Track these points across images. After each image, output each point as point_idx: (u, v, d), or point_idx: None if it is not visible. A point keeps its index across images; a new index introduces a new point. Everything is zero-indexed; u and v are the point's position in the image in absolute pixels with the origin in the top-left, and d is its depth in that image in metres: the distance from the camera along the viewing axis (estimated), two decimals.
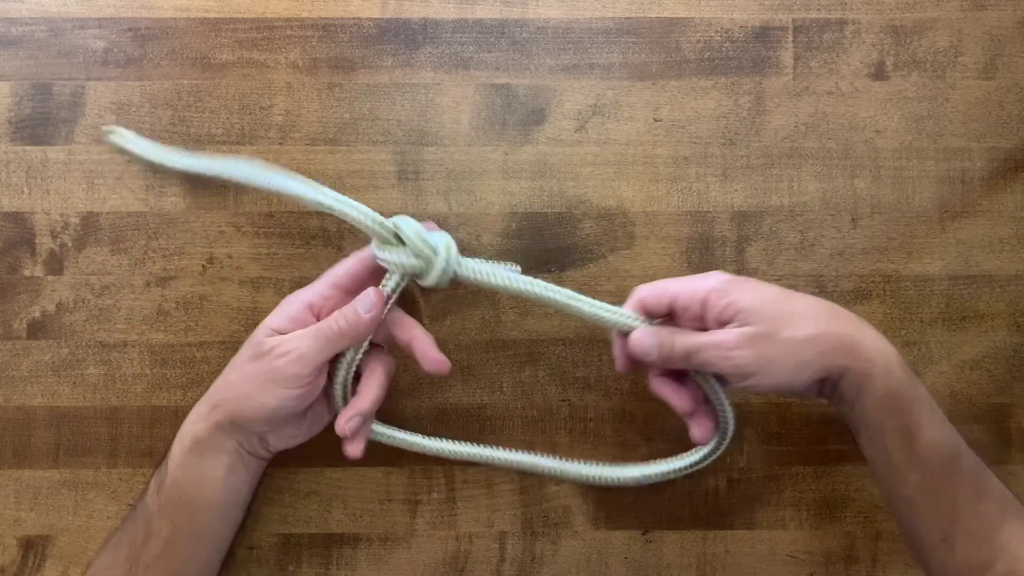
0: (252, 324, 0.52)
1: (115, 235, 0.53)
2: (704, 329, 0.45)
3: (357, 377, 0.49)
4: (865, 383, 0.43)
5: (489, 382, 0.53)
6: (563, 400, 0.53)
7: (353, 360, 0.48)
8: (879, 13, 0.54)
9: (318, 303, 0.47)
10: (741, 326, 0.44)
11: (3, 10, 0.53)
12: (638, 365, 0.48)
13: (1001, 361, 0.53)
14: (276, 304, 0.48)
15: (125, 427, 0.53)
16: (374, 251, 0.46)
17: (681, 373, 0.48)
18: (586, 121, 0.54)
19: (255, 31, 0.54)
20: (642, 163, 0.54)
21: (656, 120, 0.54)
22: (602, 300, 0.47)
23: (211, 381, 0.52)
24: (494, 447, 0.52)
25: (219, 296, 0.53)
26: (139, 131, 0.53)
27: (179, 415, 0.52)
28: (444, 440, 0.52)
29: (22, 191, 0.53)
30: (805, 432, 0.53)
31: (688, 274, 0.52)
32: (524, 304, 0.53)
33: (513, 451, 0.52)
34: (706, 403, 0.48)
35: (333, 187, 0.52)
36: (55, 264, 0.53)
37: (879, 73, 0.54)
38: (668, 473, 0.51)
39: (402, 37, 0.54)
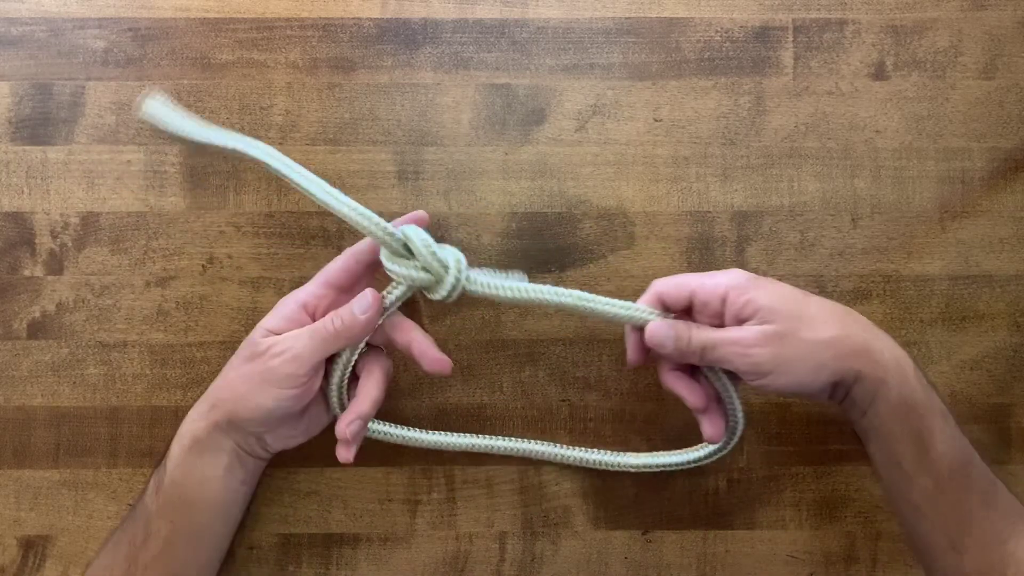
0: (252, 324, 0.52)
1: (115, 235, 0.53)
2: (721, 326, 0.45)
3: (355, 379, 0.49)
4: (880, 389, 0.43)
5: (489, 382, 0.53)
6: (563, 400, 0.53)
7: (348, 362, 0.48)
8: (879, 13, 0.54)
9: (312, 302, 0.47)
10: (760, 324, 0.44)
11: (3, 10, 0.53)
12: (650, 359, 0.48)
13: (1001, 361, 0.53)
14: (276, 304, 0.48)
15: (125, 427, 0.53)
16: (383, 261, 0.46)
17: (693, 369, 0.48)
18: (586, 121, 0.54)
19: (255, 31, 0.54)
20: (642, 163, 0.54)
21: (656, 120, 0.54)
22: (597, 295, 0.47)
23: (211, 381, 0.52)
24: (492, 436, 0.52)
25: (219, 296, 0.53)
26: (139, 131, 0.53)
27: (179, 415, 0.52)
28: (441, 433, 0.51)
29: (22, 191, 0.53)
30: (805, 432, 0.53)
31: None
32: (519, 305, 0.53)
33: (513, 439, 0.52)
34: (718, 401, 0.48)
35: (333, 187, 0.52)
36: (55, 264, 0.53)
37: (879, 73, 0.54)
38: (672, 465, 0.51)
39: (402, 37, 0.54)
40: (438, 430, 0.52)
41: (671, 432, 0.53)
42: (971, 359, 0.53)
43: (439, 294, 0.46)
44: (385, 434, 0.51)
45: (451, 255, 0.46)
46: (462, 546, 0.53)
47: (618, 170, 0.54)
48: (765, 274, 0.53)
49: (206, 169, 0.53)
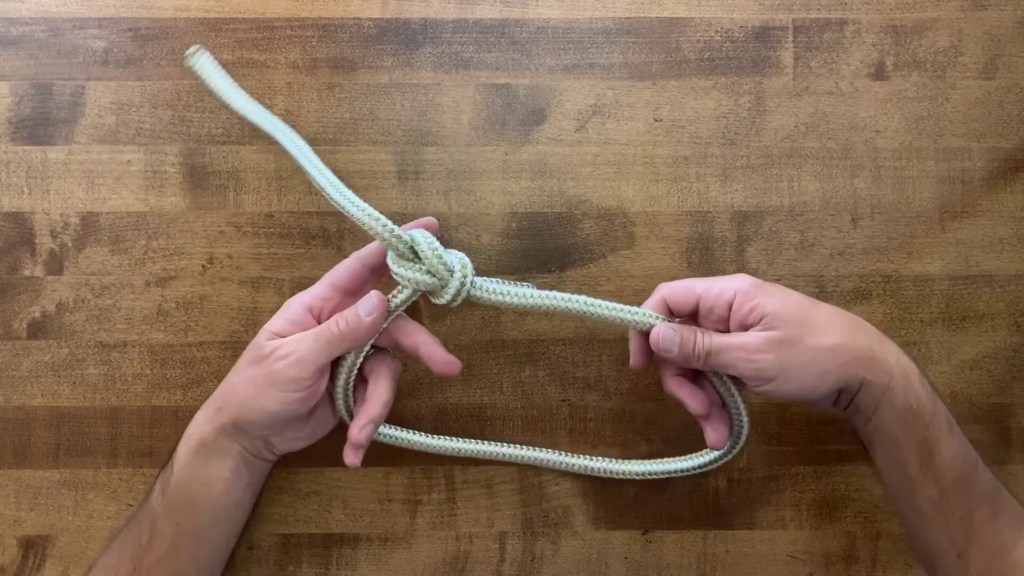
0: (252, 324, 0.52)
1: (115, 235, 0.53)
2: (726, 331, 0.45)
3: (363, 381, 0.49)
4: (884, 396, 0.43)
5: (489, 382, 0.53)
6: (563, 400, 0.53)
7: (354, 365, 0.47)
8: (879, 13, 0.54)
9: (318, 305, 0.47)
10: (765, 330, 0.44)
11: (3, 10, 0.53)
12: (652, 362, 0.48)
13: (1001, 361, 0.53)
14: (276, 304, 0.48)
15: (125, 427, 0.53)
16: (389, 264, 0.46)
17: (696, 374, 0.48)
18: (586, 121, 0.54)
19: (255, 31, 0.54)
20: (642, 163, 0.54)
21: (656, 120, 0.54)
22: (602, 300, 0.47)
23: (211, 381, 0.52)
24: (494, 443, 0.52)
25: (219, 296, 0.53)
26: (139, 131, 0.53)
27: (179, 415, 0.52)
28: (444, 437, 0.52)
29: (22, 191, 0.53)
30: (805, 432, 0.53)
31: (689, 274, 0.52)
32: (523, 311, 0.53)
33: (514, 446, 0.52)
34: (721, 407, 0.48)
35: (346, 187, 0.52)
36: (55, 264, 0.53)
37: (879, 73, 0.54)
38: (675, 472, 0.51)
39: (402, 37, 0.54)
40: (438, 430, 0.52)
41: (671, 432, 0.53)
42: (971, 359, 0.53)
43: (443, 298, 0.46)
44: (389, 437, 0.51)
45: (457, 259, 0.46)
46: (462, 546, 0.53)
47: (618, 170, 0.54)
48: (765, 274, 0.53)
49: (206, 169, 0.53)
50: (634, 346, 0.48)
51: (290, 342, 0.45)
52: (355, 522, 0.53)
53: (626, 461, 0.52)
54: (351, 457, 0.47)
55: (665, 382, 0.48)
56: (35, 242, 0.53)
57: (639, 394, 0.53)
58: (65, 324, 0.53)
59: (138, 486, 0.52)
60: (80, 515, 0.52)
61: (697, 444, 0.51)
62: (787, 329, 0.43)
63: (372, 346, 0.48)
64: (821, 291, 0.53)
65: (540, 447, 0.52)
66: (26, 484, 0.52)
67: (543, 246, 0.53)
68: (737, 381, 0.47)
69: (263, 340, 0.46)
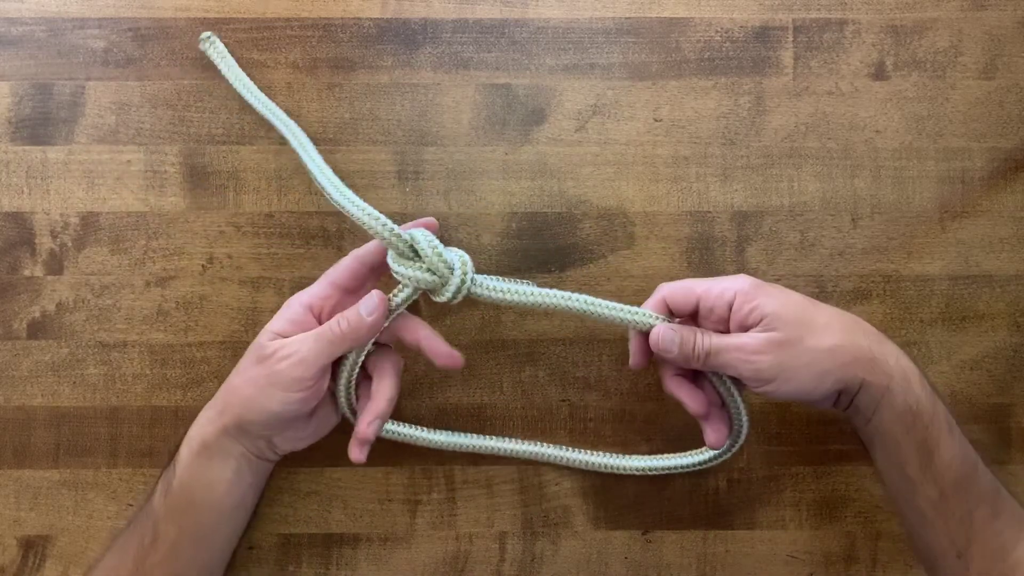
0: (252, 324, 0.52)
1: (115, 235, 0.53)
2: (726, 332, 0.45)
3: (366, 377, 0.49)
4: (884, 397, 0.43)
5: (489, 382, 0.53)
6: (563, 400, 0.53)
7: (356, 363, 0.47)
8: (879, 13, 0.54)
9: (318, 304, 0.47)
10: (765, 331, 0.44)
11: (3, 10, 0.53)
12: (652, 362, 0.48)
13: (1001, 361, 0.53)
14: (276, 304, 0.48)
15: (125, 427, 0.53)
16: (390, 263, 0.46)
17: (696, 375, 0.48)
18: (586, 121, 0.54)
19: (255, 31, 0.54)
20: (642, 163, 0.54)
21: (656, 120, 0.54)
22: (602, 299, 0.47)
23: (211, 381, 0.52)
24: (495, 437, 0.52)
25: (219, 296, 0.53)
26: (139, 131, 0.53)
27: (179, 415, 0.52)
28: (446, 432, 0.52)
29: (22, 191, 0.53)
30: (805, 432, 0.53)
31: (689, 274, 0.52)
32: (523, 309, 0.53)
33: (516, 441, 0.52)
34: (720, 407, 0.48)
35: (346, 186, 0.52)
36: (55, 264, 0.53)
37: (879, 73, 0.54)
38: (676, 468, 0.51)
39: (402, 37, 0.54)
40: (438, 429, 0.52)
41: (671, 432, 0.53)
42: (971, 359, 0.53)
43: (444, 296, 0.46)
44: (391, 432, 0.51)
45: (457, 257, 0.46)
46: (462, 546, 0.53)
47: (618, 170, 0.54)
48: (765, 274, 0.53)
49: (206, 169, 0.53)
50: (634, 346, 0.48)
51: (292, 343, 0.45)
52: (355, 522, 0.53)
53: (626, 456, 0.52)
54: (356, 453, 0.47)
55: (664, 382, 0.48)
56: (35, 242, 0.53)
57: (639, 394, 0.53)
58: (65, 324, 0.53)
59: (138, 486, 0.52)
60: (80, 515, 0.52)
61: (697, 444, 0.51)
62: (787, 330, 0.43)
63: (374, 343, 0.48)
64: (821, 291, 0.53)
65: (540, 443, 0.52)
66: (26, 484, 0.52)
67: (543, 246, 0.53)
68: (737, 381, 0.47)
69: (265, 340, 0.46)
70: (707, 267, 0.53)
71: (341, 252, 0.52)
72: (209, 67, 0.53)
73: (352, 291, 0.48)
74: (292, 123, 0.51)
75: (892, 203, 0.54)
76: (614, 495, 0.53)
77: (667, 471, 0.51)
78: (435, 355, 0.47)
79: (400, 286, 0.46)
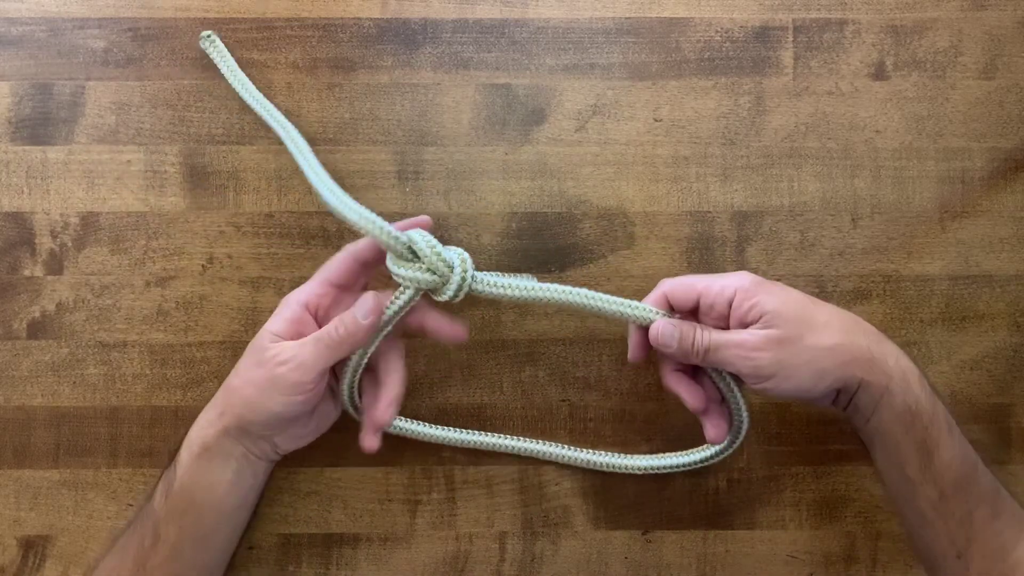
0: (252, 324, 0.52)
1: (115, 235, 0.53)
2: (726, 328, 0.45)
3: (367, 369, 0.49)
4: (883, 397, 0.43)
5: (489, 382, 0.53)
6: (563, 400, 0.53)
7: (360, 365, 0.48)
8: (879, 13, 0.54)
9: (314, 302, 0.47)
10: (765, 328, 0.44)
11: (3, 10, 0.53)
12: (651, 357, 0.48)
13: (1001, 361, 0.53)
14: (276, 304, 0.48)
15: (125, 427, 0.53)
16: (389, 266, 0.46)
17: (695, 370, 0.48)
18: (586, 121, 0.54)
19: (255, 31, 0.54)
20: (642, 163, 0.54)
21: (656, 120, 0.54)
22: (603, 293, 0.47)
23: (211, 381, 0.52)
24: (497, 435, 0.52)
25: (219, 296, 0.53)
26: (139, 131, 0.53)
27: (179, 415, 0.52)
28: (447, 428, 0.52)
29: (22, 191, 0.53)
30: (805, 432, 0.53)
31: (689, 274, 0.52)
32: (524, 304, 0.53)
33: (518, 439, 0.52)
34: (720, 402, 0.48)
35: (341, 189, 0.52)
36: (55, 264, 0.53)
37: (879, 73, 0.54)
38: (676, 467, 0.51)
39: (402, 37, 0.54)
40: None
41: (671, 432, 0.53)
42: (971, 359, 0.53)
43: (446, 295, 0.46)
44: (393, 427, 0.51)
45: (456, 255, 0.45)
46: (462, 546, 0.53)
47: (618, 170, 0.54)
48: (765, 274, 0.53)
49: (206, 169, 0.53)
50: (633, 340, 0.48)
51: (291, 347, 0.45)
52: (355, 522, 0.53)
53: (626, 456, 0.52)
54: (371, 441, 0.48)
55: (664, 377, 0.48)
56: (35, 242, 0.53)
57: (639, 394, 0.53)
58: (65, 324, 0.53)
59: (138, 486, 0.52)
60: (80, 515, 0.52)
61: (697, 444, 0.51)
62: (786, 328, 0.44)
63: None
64: (821, 291, 0.53)
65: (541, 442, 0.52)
66: (26, 484, 0.52)
67: (543, 246, 0.53)
68: (736, 377, 0.47)
69: (265, 343, 0.45)
70: (707, 267, 0.53)
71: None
72: (209, 67, 0.53)
73: (348, 288, 0.48)
74: (289, 125, 0.51)
75: (892, 203, 0.54)
76: (614, 495, 0.53)
77: (668, 470, 0.51)
78: (441, 333, 0.48)
79: (401, 288, 0.46)
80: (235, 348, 0.51)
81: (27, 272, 0.53)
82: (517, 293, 0.46)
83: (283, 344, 0.45)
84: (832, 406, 0.46)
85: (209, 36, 0.52)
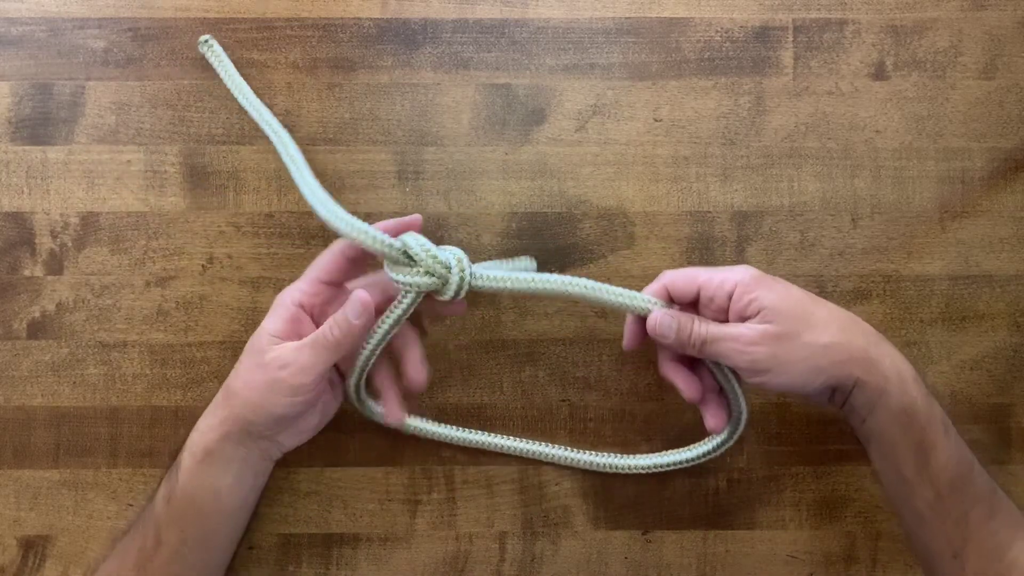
0: (252, 324, 0.52)
1: (115, 235, 0.53)
2: (725, 322, 0.46)
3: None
4: (879, 398, 0.44)
5: (489, 382, 0.53)
6: (563, 400, 0.53)
7: (365, 368, 0.48)
8: (879, 13, 0.54)
9: (308, 301, 0.47)
10: (762, 323, 0.44)
11: (3, 10, 0.53)
12: (646, 346, 0.48)
13: (1001, 361, 0.53)
14: (273, 305, 0.47)
15: (125, 427, 0.53)
16: (387, 273, 0.46)
17: (693, 361, 0.49)
18: (586, 121, 0.54)
19: (255, 31, 0.54)
20: (642, 163, 0.54)
21: (656, 120, 0.54)
22: (603, 284, 0.47)
23: (211, 381, 0.52)
24: (501, 436, 0.52)
25: (219, 296, 0.53)
26: (139, 131, 0.53)
27: (179, 415, 0.52)
28: (450, 426, 0.52)
29: (22, 191, 0.53)
30: (805, 432, 0.53)
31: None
32: (524, 304, 0.53)
33: (518, 439, 0.52)
34: (718, 393, 0.49)
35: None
36: (55, 264, 0.53)
37: (879, 73, 0.54)
38: (677, 463, 0.51)
39: (402, 37, 0.54)
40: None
41: (671, 432, 0.53)
42: (971, 359, 0.53)
43: (447, 295, 0.46)
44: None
45: (452, 255, 0.45)
46: (462, 546, 0.53)
47: (618, 170, 0.54)
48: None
49: (206, 169, 0.53)
50: (629, 328, 0.49)
51: (291, 351, 0.45)
52: (355, 522, 0.53)
53: (627, 456, 0.52)
54: (397, 412, 0.49)
55: (661, 367, 0.49)
56: (35, 242, 0.53)
57: (639, 394, 0.53)
58: (65, 324, 0.53)
59: (138, 486, 0.52)
60: (80, 515, 0.52)
61: (698, 442, 0.51)
62: (783, 324, 0.44)
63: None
64: (821, 291, 0.53)
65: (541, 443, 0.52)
66: (26, 484, 0.52)
67: (543, 246, 0.53)
68: (732, 370, 0.47)
69: (264, 345, 0.45)
70: (708, 267, 0.53)
71: None
72: (209, 67, 0.53)
73: (339, 284, 0.48)
74: (284, 133, 0.51)
75: (892, 203, 0.54)
76: (614, 495, 0.53)
77: (669, 467, 0.51)
78: (407, 370, 0.48)
79: (401, 294, 0.46)
80: (235, 348, 0.51)
81: (27, 272, 0.53)
82: (517, 285, 0.46)
83: (283, 347, 0.45)
84: (828, 404, 0.46)
85: (207, 40, 0.52)
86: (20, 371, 0.52)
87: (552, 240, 0.53)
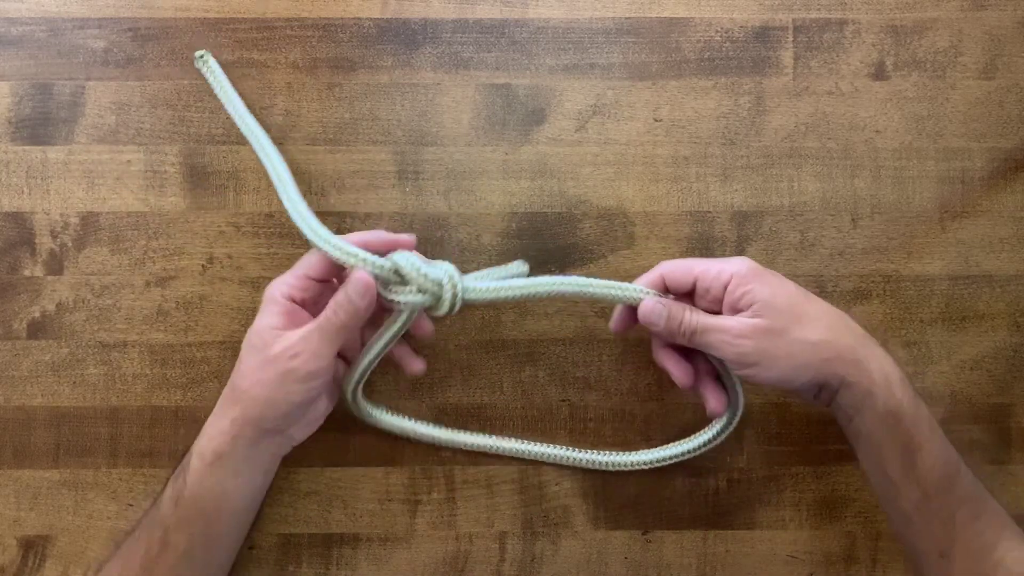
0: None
1: (115, 235, 0.53)
2: (719, 312, 0.46)
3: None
4: (865, 400, 0.44)
5: (489, 382, 0.53)
6: (563, 400, 0.53)
7: (364, 375, 0.48)
8: (879, 13, 0.54)
9: (298, 296, 0.47)
10: (753, 317, 0.44)
11: (3, 10, 0.53)
12: (633, 328, 0.49)
13: (1001, 361, 0.53)
14: (264, 301, 0.47)
15: (125, 427, 0.53)
16: (380, 292, 0.46)
17: (688, 347, 0.49)
18: (586, 121, 0.54)
19: (255, 31, 0.54)
20: (642, 163, 0.54)
21: (656, 120, 0.54)
22: (592, 279, 0.48)
23: (211, 381, 0.52)
24: (498, 437, 0.52)
25: (219, 296, 0.53)
26: (139, 131, 0.53)
27: (179, 415, 0.52)
28: (450, 429, 0.52)
29: (22, 191, 0.53)
30: (805, 432, 0.53)
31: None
32: (524, 304, 0.53)
33: (519, 440, 0.52)
34: (715, 378, 0.49)
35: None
36: (55, 264, 0.53)
37: (879, 73, 0.54)
38: (679, 456, 0.51)
39: (402, 37, 0.54)
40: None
41: (671, 432, 0.53)
42: (971, 359, 0.53)
43: (441, 311, 0.47)
44: (392, 425, 0.51)
45: (442, 271, 0.46)
46: (462, 546, 0.53)
47: (618, 170, 0.54)
48: None
49: (206, 169, 0.53)
50: (618, 312, 0.49)
51: (298, 340, 0.45)
52: (355, 522, 0.53)
53: (629, 453, 0.52)
54: (417, 365, 0.49)
55: (654, 352, 0.49)
56: (35, 242, 0.53)
57: (639, 394, 0.53)
58: (65, 324, 0.53)
59: (138, 486, 0.52)
60: (80, 515, 0.52)
61: None
62: (773, 319, 0.44)
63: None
64: (821, 291, 0.53)
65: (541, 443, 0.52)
66: (26, 484, 0.52)
67: (543, 246, 0.53)
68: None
69: (266, 339, 0.45)
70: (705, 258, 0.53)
71: None
72: None
73: (326, 280, 0.48)
74: (275, 153, 0.50)
75: (892, 203, 0.54)
76: (614, 495, 0.53)
77: (671, 460, 0.51)
78: (403, 362, 0.50)
79: (395, 312, 0.47)
80: (235, 348, 0.51)
81: (27, 272, 0.53)
82: (509, 293, 0.47)
83: (287, 337, 0.45)
84: (816, 401, 0.47)
85: (202, 56, 0.52)
86: (20, 371, 0.52)
87: (552, 240, 0.53)
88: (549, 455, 0.52)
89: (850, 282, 0.54)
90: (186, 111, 0.53)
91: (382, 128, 0.53)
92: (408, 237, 0.48)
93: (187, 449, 0.47)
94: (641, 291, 0.47)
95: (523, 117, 0.54)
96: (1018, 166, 0.54)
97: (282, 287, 0.47)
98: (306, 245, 0.53)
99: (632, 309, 0.48)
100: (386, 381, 0.53)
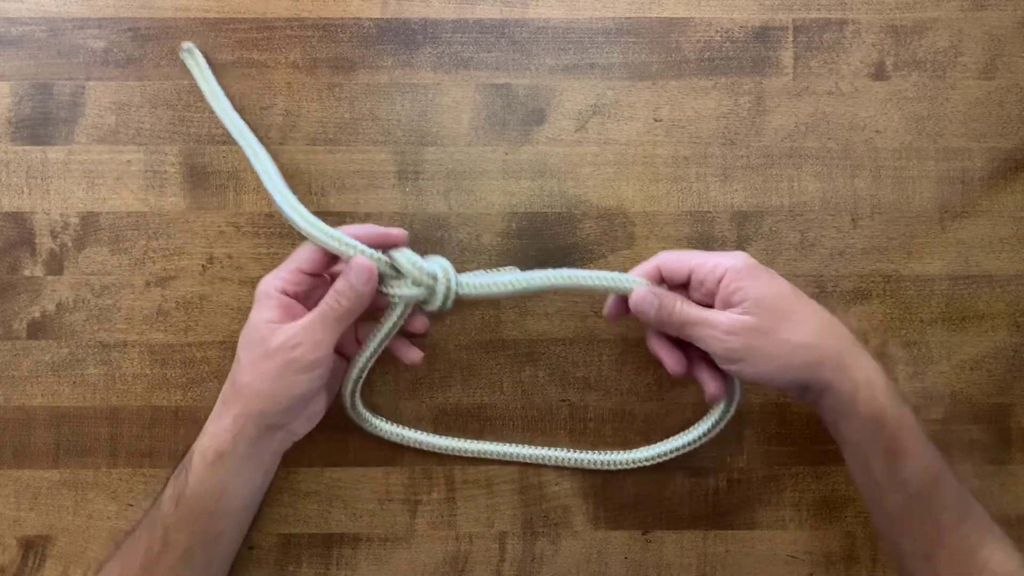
0: None
1: (115, 235, 0.53)
2: (711, 306, 0.46)
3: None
4: (849, 404, 0.44)
5: (489, 382, 0.53)
6: (563, 400, 0.53)
7: (360, 378, 0.49)
8: (879, 13, 0.54)
9: (292, 290, 0.47)
10: (743, 314, 0.45)
11: (3, 10, 0.53)
12: (624, 317, 0.49)
13: (1001, 361, 0.53)
14: (258, 296, 0.47)
15: (125, 427, 0.53)
16: (377, 286, 0.47)
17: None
18: (586, 121, 0.54)
19: (255, 31, 0.54)
20: (642, 163, 0.54)
21: (656, 120, 0.54)
22: (584, 271, 0.48)
23: (211, 381, 0.52)
24: (497, 443, 0.52)
25: (219, 296, 0.53)
26: (139, 131, 0.53)
27: (179, 415, 0.52)
28: (447, 437, 0.52)
29: (22, 191, 0.53)
30: (805, 432, 0.53)
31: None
32: (524, 304, 0.53)
33: (517, 446, 0.52)
34: (711, 364, 0.49)
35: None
36: (55, 264, 0.53)
37: (879, 73, 0.54)
38: (678, 449, 0.51)
39: (402, 37, 0.54)
40: (438, 430, 0.53)
41: (671, 432, 0.53)
42: (971, 359, 0.53)
43: (434, 305, 0.47)
44: (392, 434, 0.51)
45: (438, 266, 0.47)
46: (462, 546, 0.53)
47: (618, 170, 0.54)
48: None
49: (206, 169, 0.53)
50: (610, 301, 0.50)
51: (299, 331, 0.45)
52: (355, 522, 0.53)
53: (629, 451, 0.52)
54: (414, 354, 0.50)
55: (648, 340, 0.50)
56: (35, 242, 0.53)
57: (639, 394, 0.53)
58: (65, 324, 0.53)
59: (138, 486, 0.52)
60: (80, 515, 0.52)
61: None
62: (762, 317, 0.44)
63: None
64: (821, 291, 0.53)
65: (541, 447, 0.52)
66: (26, 484, 0.52)
67: (543, 246, 0.53)
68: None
69: (265, 333, 0.45)
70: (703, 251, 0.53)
71: None
72: (209, 67, 0.53)
73: (318, 275, 0.48)
74: (260, 148, 0.51)
75: (892, 203, 0.54)
76: (614, 495, 0.53)
77: (671, 454, 0.51)
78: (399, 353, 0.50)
79: (390, 307, 0.47)
80: (235, 348, 0.51)
81: (27, 272, 0.53)
82: (502, 288, 0.48)
83: (286, 329, 0.45)
84: (801, 400, 0.47)
85: (189, 49, 0.52)
86: (20, 371, 0.52)
87: (552, 240, 0.53)
88: (549, 458, 0.52)
89: (850, 282, 0.54)
90: (186, 111, 0.53)
91: (382, 128, 0.53)
92: (399, 231, 0.48)
93: (187, 449, 0.47)
94: (634, 281, 0.48)
95: (523, 117, 0.54)
96: (1018, 166, 0.54)
97: (275, 281, 0.47)
98: None
99: (625, 299, 0.48)
100: (386, 381, 0.53)
